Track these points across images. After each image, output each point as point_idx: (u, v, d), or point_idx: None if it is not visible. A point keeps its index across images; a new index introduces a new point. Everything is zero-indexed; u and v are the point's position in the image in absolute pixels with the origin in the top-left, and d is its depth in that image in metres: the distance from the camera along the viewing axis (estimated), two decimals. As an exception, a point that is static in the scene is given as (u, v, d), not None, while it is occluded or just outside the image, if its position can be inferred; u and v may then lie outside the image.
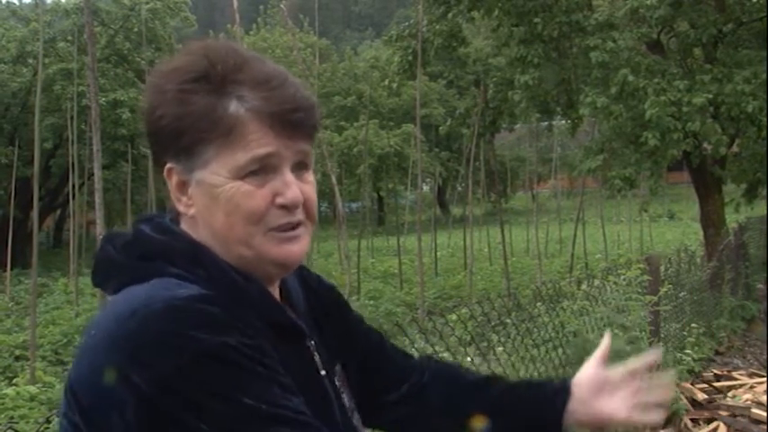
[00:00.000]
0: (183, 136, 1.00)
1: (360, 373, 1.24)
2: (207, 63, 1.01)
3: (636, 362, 1.30)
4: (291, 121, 1.01)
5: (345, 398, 1.16)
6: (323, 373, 1.11)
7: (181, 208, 1.05)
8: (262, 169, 1.00)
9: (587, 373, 1.29)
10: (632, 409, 1.26)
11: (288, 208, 1.02)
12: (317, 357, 1.12)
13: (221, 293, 0.97)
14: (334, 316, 1.24)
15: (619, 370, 1.28)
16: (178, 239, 1.03)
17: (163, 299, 0.94)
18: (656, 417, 1.28)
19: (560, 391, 1.28)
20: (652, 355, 1.32)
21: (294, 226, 1.03)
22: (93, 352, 0.95)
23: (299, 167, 1.04)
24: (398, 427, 1.32)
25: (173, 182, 1.04)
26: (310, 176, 1.06)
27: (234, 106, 0.99)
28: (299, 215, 1.03)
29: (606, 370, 1.29)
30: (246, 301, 1.00)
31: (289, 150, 1.01)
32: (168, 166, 1.03)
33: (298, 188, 1.02)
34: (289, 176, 1.02)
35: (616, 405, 1.26)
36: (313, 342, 1.12)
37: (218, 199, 1.00)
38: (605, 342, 1.33)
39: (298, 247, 1.04)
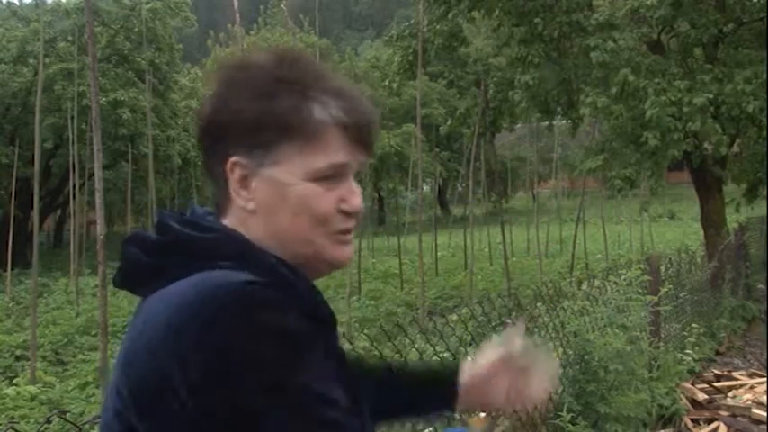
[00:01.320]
0: (264, 131, 1.03)
1: None
2: (288, 65, 1.05)
3: (505, 346, 1.38)
4: (365, 133, 1.08)
5: None
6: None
7: (240, 202, 1.06)
8: (333, 175, 1.06)
9: (477, 368, 1.39)
10: (510, 395, 1.38)
11: (350, 214, 1.08)
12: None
13: (271, 284, 0.99)
14: None
15: (496, 356, 1.38)
16: (224, 236, 1.04)
17: (219, 284, 0.95)
18: (535, 399, 1.40)
19: (452, 384, 1.39)
20: (516, 335, 1.39)
21: (350, 230, 1.10)
22: (155, 346, 0.94)
23: (355, 177, 1.10)
24: None
25: (235, 175, 1.05)
26: (357, 186, 1.12)
27: (319, 111, 1.04)
28: (353, 221, 1.10)
29: (493, 361, 1.38)
30: (293, 293, 1.02)
31: (356, 161, 1.08)
32: (234, 159, 1.05)
33: (360, 197, 1.09)
34: (354, 185, 1.09)
35: (495, 393, 1.39)
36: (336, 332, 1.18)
37: (287, 198, 1.04)
38: (503, 342, 1.40)
39: (350, 250, 1.11)
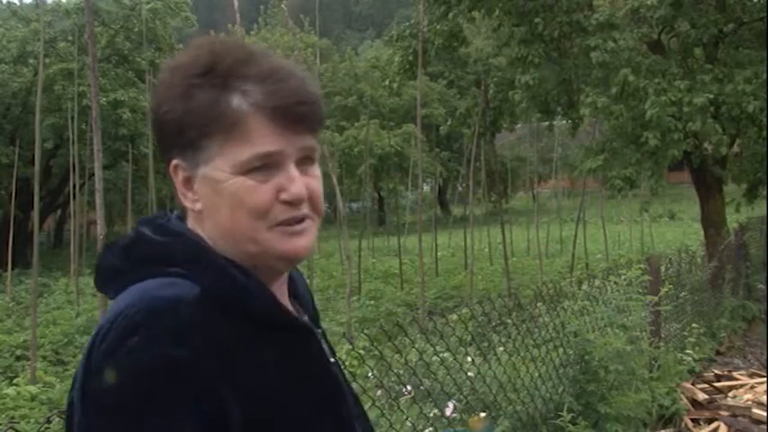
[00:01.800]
0: (187, 131, 1.00)
1: None
2: (212, 58, 1.01)
3: None
4: (295, 114, 1.00)
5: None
6: (332, 360, 1.13)
7: (187, 204, 1.04)
8: (265, 166, 0.99)
9: None
10: None
11: (292, 203, 1.00)
12: (325, 346, 1.13)
13: (214, 292, 0.97)
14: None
15: None
16: (179, 240, 1.02)
17: (141, 302, 0.95)
18: None
19: None
20: None
21: (300, 219, 1.02)
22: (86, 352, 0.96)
23: (305, 162, 1.03)
24: None
25: (179, 178, 1.03)
26: (316, 170, 1.05)
27: (237, 101, 0.98)
28: (305, 209, 1.02)
29: None
30: (243, 298, 0.99)
31: (292, 146, 1.00)
32: (174, 162, 1.03)
33: (302, 183, 1.01)
34: (293, 172, 1.00)
35: None
36: (320, 330, 1.14)
37: (222, 194, 0.99)
38: None
39: (304, 241, 1.03)
